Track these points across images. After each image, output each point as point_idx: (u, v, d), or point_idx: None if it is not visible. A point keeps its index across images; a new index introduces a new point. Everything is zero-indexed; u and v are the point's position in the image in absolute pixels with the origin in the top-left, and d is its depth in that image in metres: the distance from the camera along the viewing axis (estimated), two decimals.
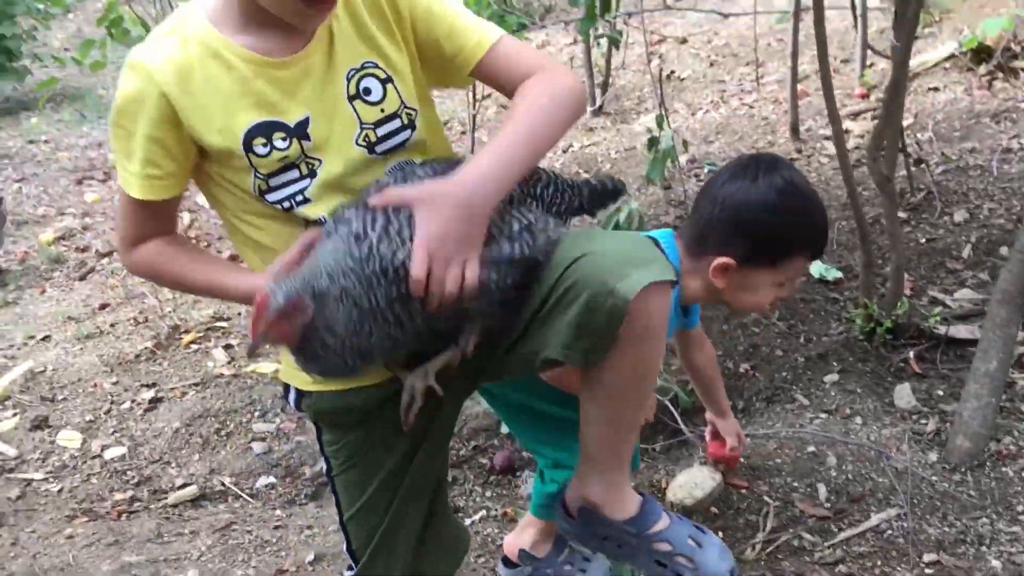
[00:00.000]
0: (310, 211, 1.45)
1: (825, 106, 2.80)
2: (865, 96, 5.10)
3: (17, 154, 6.76)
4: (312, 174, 1.44)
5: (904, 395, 2.70)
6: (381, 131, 1.47)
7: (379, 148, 1.47)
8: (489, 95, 6.00)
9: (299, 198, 1.45)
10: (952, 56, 5.03)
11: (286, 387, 1.66)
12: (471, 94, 4.67)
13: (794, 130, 4.80)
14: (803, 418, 2.69)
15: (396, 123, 1.48)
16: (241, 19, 1.42)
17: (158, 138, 1.39)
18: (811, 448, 2.56)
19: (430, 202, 1.30)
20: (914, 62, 5.10)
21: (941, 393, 2.71)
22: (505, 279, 1.36)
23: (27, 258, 4.95)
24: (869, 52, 5.17)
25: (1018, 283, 2.33)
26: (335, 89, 1.44)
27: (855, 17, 5.22)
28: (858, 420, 2.63)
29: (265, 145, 1.41)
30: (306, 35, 1.43)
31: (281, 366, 1.67)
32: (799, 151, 4.62)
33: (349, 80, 1.45)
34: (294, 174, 1.44)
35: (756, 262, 1.85)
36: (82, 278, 4.69)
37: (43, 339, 4.01)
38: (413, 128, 1.49)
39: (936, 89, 4.84)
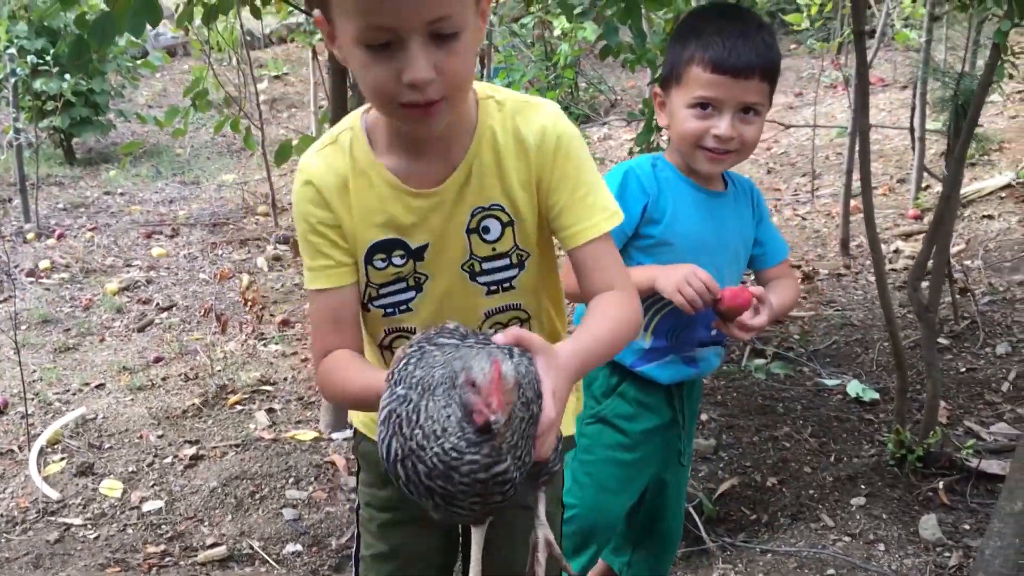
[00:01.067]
0: (407, 319, 1.57)
1: (875, 224, 2.85)
2: (919, 217, 5.15)
3: (93, 204, 7.08)
4: (419, 288, 1.55)
5: (930, 526, 2.70)
6: (487, 265, 1.54)
7: (480, 278, 1.55)
8: None
9: (402, 307, 1.56)
10: (1009, 186, 5.07)
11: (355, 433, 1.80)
12: None
13: (844, 245, 4.86)
14: (826, 539, 2.70)
15: (504, 262, 1.54)
16: (389, 139, 1.51)
17: (322, 231, 1.51)
18: (831, 571, 2.56)
19: (551, 355, 1.33)
20: (970, 189, 5.16)
21: (967, 527, 2.70)
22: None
23: (91, 305, 5.16)
24: (925, 174, 5.24)
25: None
26: (459, 219, 1.51)
27: (913, 139, 5.30)
28: (881, 547, 2.63)
29: (384, 260, 1.52)
30: (448, 166, 1.49)
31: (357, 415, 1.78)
32: (847, 267, 4.67)
33: (473, 216, 1.52)
34: (402, 286, 1.55)
35: (666, 84, 2.00)
36: (140, 330, 4.87)
37: (97, 387, 4.16)
38: (522, 268, 1.55)
39: (990, 217, 4.87)
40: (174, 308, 5.13)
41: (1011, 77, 2.90)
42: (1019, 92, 6.90)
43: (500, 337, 1.32)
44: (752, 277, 2.21)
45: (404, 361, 1.32)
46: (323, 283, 1.51)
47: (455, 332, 1.37)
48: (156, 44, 10.47)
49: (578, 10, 3.10)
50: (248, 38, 9.88)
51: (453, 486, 1.21)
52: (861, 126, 2.49)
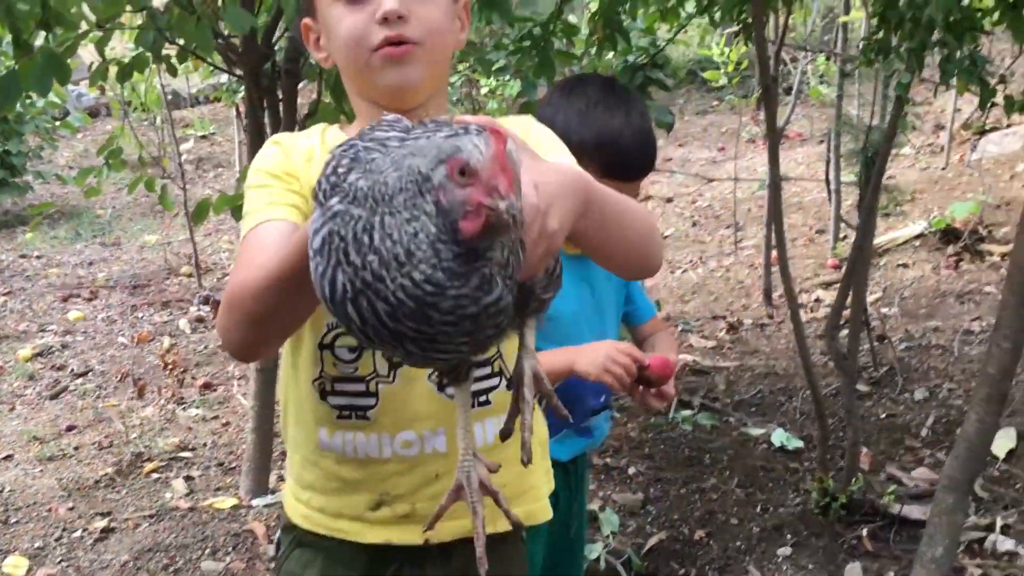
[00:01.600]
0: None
1: (790, 276, 2.89)
2: (838, 267, 5.25)
3: (7, 268, 6.85)
4: None
5: (855, 574, 2.69)
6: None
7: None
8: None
9: None
10: (922, 235, 5.22)
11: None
12: None
13: (766, 295, 4.93)
14: None
15: (486, 370, 1.42)
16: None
17: (284, 178, 1.37)
18: None
19: (534, 153, 1.15)
20: (885, 238, 5.30)
21: (892, 574, 2.70)
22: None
23: (1, 373, 4.96)
24: (842, 225, 5.37)
25: (964, 471, 2.36)
26: None
27: (829, 191, 5.44)
28: None
29: None
30: None
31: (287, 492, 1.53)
32: (770, 316, 4.73)
33: None
34: None
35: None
36: (53, 397, 4.69)
37: (5, 458, 3.98)
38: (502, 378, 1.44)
39: (905, 265, 5.00)
40: (90, 374, 4.96)
41: (915, 128, 2.98)
42: (929, 144, 7.16)
43: (469, 118, 1.06)
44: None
45: (333, 165, 1.05)
46: (271, 214, 1.32)
47: (395, 124, 1.11)
48: (78, 105, 10.29)
49: (496, 66, 3.12)
50: (170, 97, 9.80)
51: (431, 327, 0.95)
52: (773, 176, 2.54)
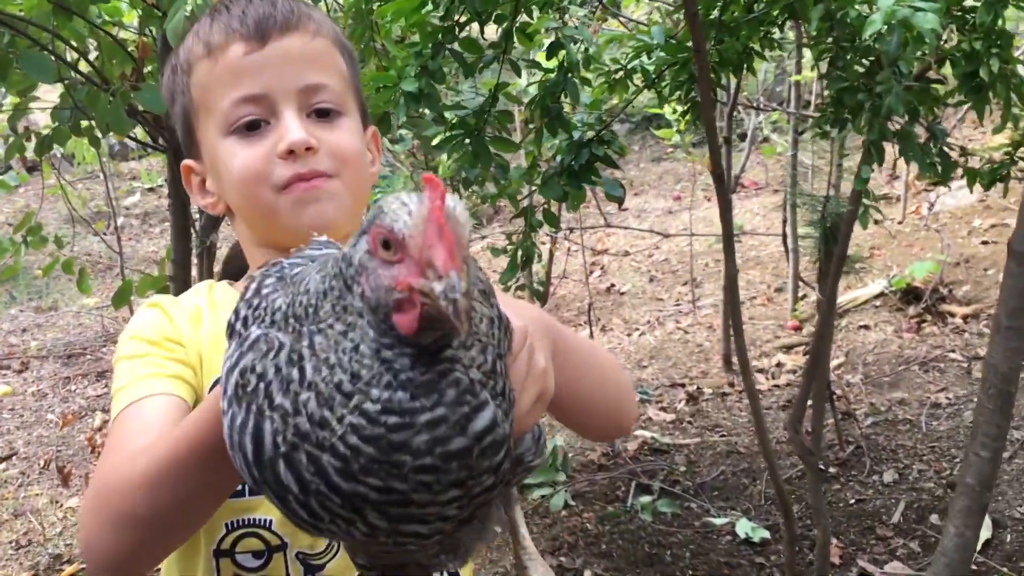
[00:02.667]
0: (261, 506, 1.15)
1: (748, 342, 2.72)
2: (798, 328, 5.12)
3: None
4: None
5: None
6: None
7: None
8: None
9: None
10: (882, 294, 5.10)
11: None
12: None
13: (726, 361, 4.76)
14: None
15: None
16: None
17: (162, 344, 1.16)
18: None
19: (515, 305, 0.98)
20: (845, 298, 5.17)
21: None
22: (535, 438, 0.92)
23: None
24: (801, 284, 5.24)
25: None
26: None
27: (787, 249, 5.32)
28: None
29: None
30: None
31: None
32: (731, 384, 4.55)
33: None
34: None
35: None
36: None
37: None
38: None
39: (867, 327, 4.87)
40: (13, 458, 4.65)
41: (877, 223, 2.84)
42: (884, 195, 7.10)
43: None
44: None
45: (254, 288, 0.83)
46: (152, 389, 1.10)
47: (326, 243, 0.92)
48: (3, 160, 9.95)
49: (435, 142, 2.94)
50: (117, 148, 9.54)
51: (403, 480, 0.69)
52: (728, 271, 2.36)
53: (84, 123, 3.04)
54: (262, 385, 0.73)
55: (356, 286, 0.69)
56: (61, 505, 4.06)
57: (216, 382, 1.07)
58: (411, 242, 0.65)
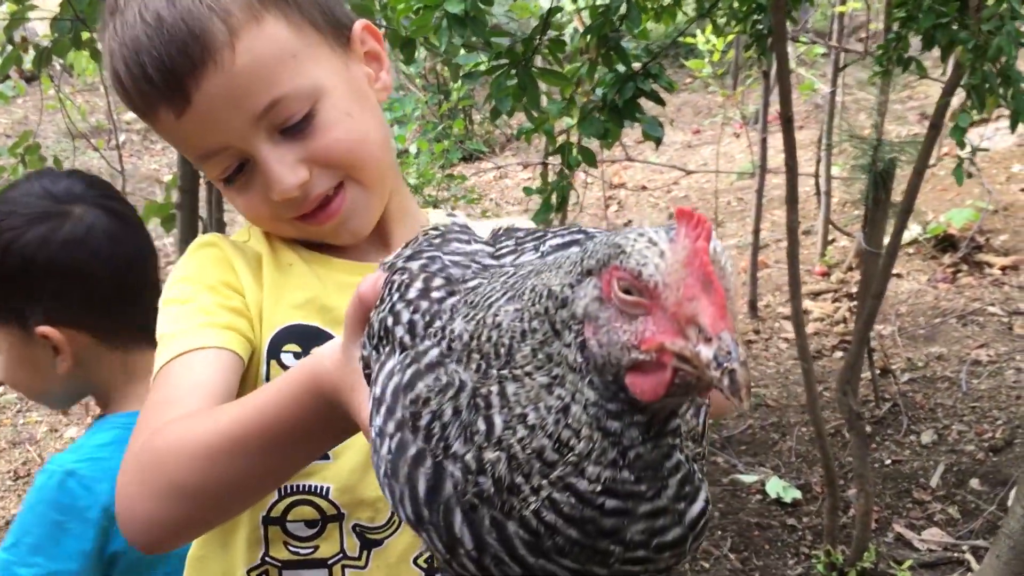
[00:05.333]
0: (320, 472, 1.02)
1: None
2: (825, 274, 4.93)
3: None
4: None
5: None
6: None
7: None
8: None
9: None
10: (915, 241, 4.89)
11: None
12: None
13: (752, 306, 4.59)
14: None
15: None
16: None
17: (219, 290, 1.04)
18: None
19: None
20: None
21: None
22: None
23: None
24: (832, 228, 5.04)
25: (1007, 573, 2.04)
26: None
27: (818, 190, 5.11)
28: None
29: (297, 356, 1.02)
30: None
31: None
32: (756, 332, 4.39)
33: None
34: None
35: None
36: None
37: None
38: None
39: (899, 276, 4.67)
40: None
41: (970, 176, 2.63)
42: (914, 133, 6.83)
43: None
44: None
45: (419, 290, 0.67)
46: (203, 340, 0.97)
47: (464, 229, 0.76)
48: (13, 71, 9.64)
49: (465, 71, 2.71)
50: None
51: (606, 567, 0.58)
52: (790, 223, 2.17)
53: (85, 35, 2.83)
54: (437, 425, 0.61)
55: (572, 335, 0.57)
56: (61, 435, 3.92)
57: (280, 335, 1.02)
58: (666, 292, 0.52)
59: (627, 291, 0.54)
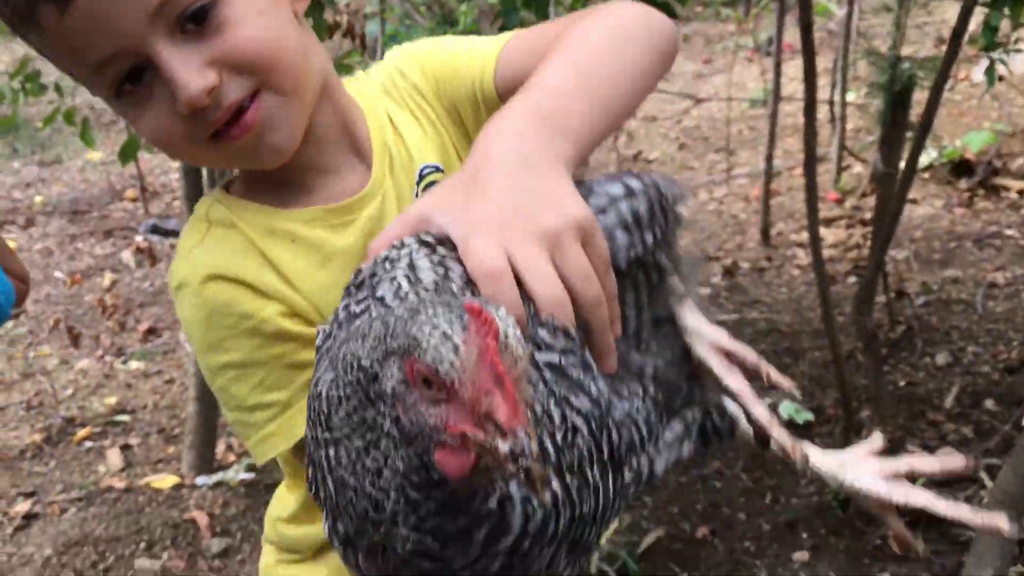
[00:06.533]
0: None
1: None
2: (839, 201, 4.86)
3: None
4: None
5: None
6: None
7: None
8: None
9: None
10: (930, 166, 4.81)
11: None
12: None
13: (764, 234, 4.53)
14: None
15: None
16: (276, 183, 1.04)
17: (281, 332, 0.97)
18: None
19: (453, 196, 0.82)
20: None
21: None
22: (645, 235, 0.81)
23: None
24: (845, 153, 4.96)
25: (1023, 484, 2.02)
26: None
27: (832, 115, 5.01)
28: None
29: None
30: (363, 163, 1.06)
31: None
32: (769, 259, 4.34)
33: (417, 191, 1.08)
34: None
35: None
36: None
37: None
38: None
39: (914, 201, 4.60)
40: (21, 316, 4.49)
41: (1001, 79, 2.54)
42: (931, 59, 6.69)
43: (385, 235, 0.79)
44: None
45: (334, 322, 0.75)
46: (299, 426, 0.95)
47: (362, 286, 0.77)
48: None
49: None
50: None
51: None
52: (808, 141, 2.10)
53: None
54: (336, 483, 0.67)
55: (386, 407, 0.60)
56: (72, 367, 3.93)
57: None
58: (462, 388, 0.56)
59: (428, 382, 0.57)
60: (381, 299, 0.68)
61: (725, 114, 6.04)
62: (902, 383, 3.17)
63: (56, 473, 3.18)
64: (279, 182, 1.04)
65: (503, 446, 0.54)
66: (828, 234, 4.54)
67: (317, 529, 1.03)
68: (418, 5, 7.01)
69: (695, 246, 4.63)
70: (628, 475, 0.70)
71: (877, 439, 0.91)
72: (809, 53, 2.10)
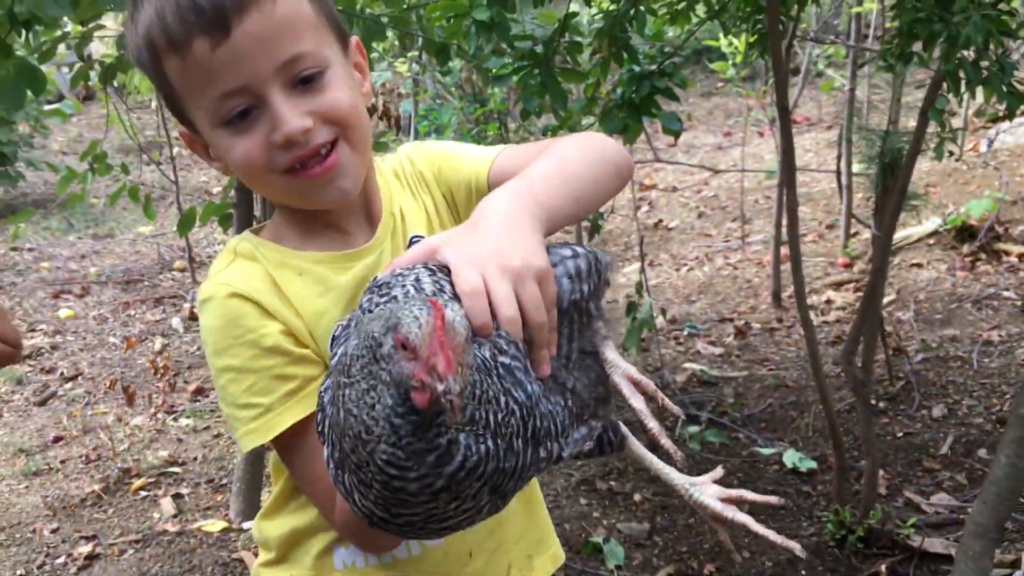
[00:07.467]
0: None
1: (798, 279, 2.74)
2: (848, 266, 5.10)
3: None
4: None
5: None
6: None
7: None
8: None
9: None
10: (936, 232, 5.05)
11: None
12: None
13: (775, 297, 4.78)
14: None
15: None
16: (301, 232, 1.28)
17: (279, 347, 1.19)
18: None
19: (456, 236, 1.10)
20: (897, 236, 5.11)
21: None
22: (583, 286, 1.11)
23: None
24: (854, 220, 5.20)
25: (993, 516, 2.22)
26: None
27: (840, 185, 5.27)
28: None
29: None
30: (371, 223, 1.31)
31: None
32: (780, 320, 4.57)
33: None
34: None
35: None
36: (41, 403, 4.56)
37: None
38: None
39: (919, 265, 4.84)
40: (79, 378, 4.83)
41: (951, 155, 2.82)
42: (939, 132, 6.95)
43: (403, 259, 1.10)
44: None
45: (352, 320, 1.07)
46: (301, 411, 1.17)
47: (382, 288, 1.05)
48: (67, 86, 10.08)
49: (493, 74, 2.96)
50: None
51: (414, 512, 0.94)
52: (790, 203, 2.37)
53: None
54: (333, 425, 0.99)
55: (384, 364, 0.91)
56: (127, 423, 4.22)
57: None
58: (421, 351, 0.87)
59: (404, 346, 0.88)
60: (394, 297, 1.00)
61: (742, 185, 6.34)
62: (900, 434, 3.38)
63: (115, 519, 3.45)
64: (303, 232, 1.28)
65: (439, 387, 0.86)
66: (836, 297, 4.79)
67: (284, 520, 1.32)
68: (449, 86, 7.42)
69: (710, 308, 4.88)
70: (543, 452, 0.99)
71: (718, 471, 1.24)
72: (786, 133, 2.38)
